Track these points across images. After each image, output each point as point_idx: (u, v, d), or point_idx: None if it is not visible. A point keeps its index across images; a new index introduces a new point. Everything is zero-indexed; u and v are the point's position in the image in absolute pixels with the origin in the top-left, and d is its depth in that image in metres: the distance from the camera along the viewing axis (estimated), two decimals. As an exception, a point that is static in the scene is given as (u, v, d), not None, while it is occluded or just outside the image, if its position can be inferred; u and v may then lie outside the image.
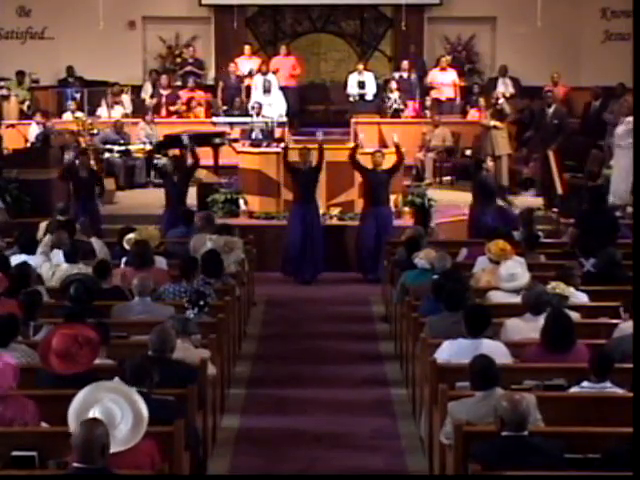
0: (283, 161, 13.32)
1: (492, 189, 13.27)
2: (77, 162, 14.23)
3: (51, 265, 9.80)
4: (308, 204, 13.00)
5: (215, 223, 11.59)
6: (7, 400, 6.07)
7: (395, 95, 18.35)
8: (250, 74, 19.09)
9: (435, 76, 19.20)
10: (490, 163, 13.53)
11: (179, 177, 13.35)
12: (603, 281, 9.28)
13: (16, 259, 9.65)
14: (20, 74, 19.21)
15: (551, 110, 16.46)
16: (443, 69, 19.22)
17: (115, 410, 5.47)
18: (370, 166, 13.16)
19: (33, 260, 9.91)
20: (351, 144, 14.68)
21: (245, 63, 19.54)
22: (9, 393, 6.11)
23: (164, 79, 19.44)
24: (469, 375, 6.38)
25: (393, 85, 18.53)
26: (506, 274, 8.87)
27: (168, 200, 13.31)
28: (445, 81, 19.14)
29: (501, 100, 16.77)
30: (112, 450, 5.25)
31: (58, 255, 9.91)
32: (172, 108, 18.91)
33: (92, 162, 16.33)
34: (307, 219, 12.96)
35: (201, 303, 8.46)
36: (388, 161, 13.33)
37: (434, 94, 18.97)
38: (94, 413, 5.43)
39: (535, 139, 16.86)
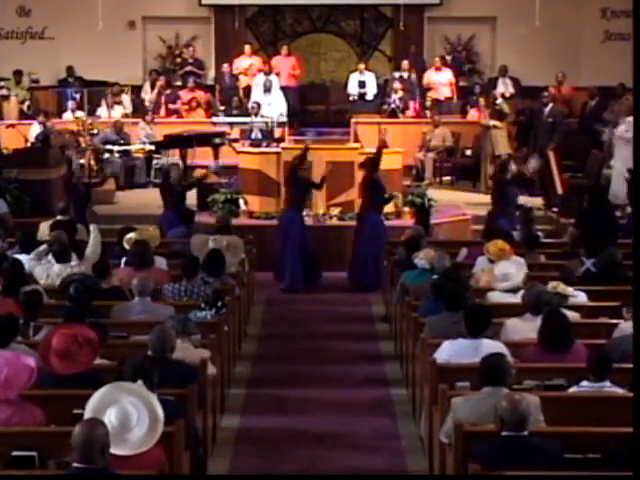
0: (291, 170, 12.99)
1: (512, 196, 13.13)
2: (76, 174, 14.15)
3: (43, 268, 9.74)
4: (294, 212, 12.77)
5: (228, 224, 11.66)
6: (16, 406, 6.02)
7: (398, 95, 18.34)
8: (249, 69, 19.10)
9: (430, 76, 19.22)
10: (513, 166, 13.36)
11: (185, 182, 13.37)
12: (603, 281, 9.27)
13: (17, 259, 9.64)
14: (18, 73, 19.20)
15: (547, 109, 16.50)
16: (438, 69, 19.25)
17: (132, 413, 5.44)
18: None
19: (26, 262, 9.87)
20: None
21: (245, 63, 19.57)
22: (21, 393, 6.06)
23: (161, 79, 19.46)
24: (479, 370, 6.35)
25: (397, 85, 18.51)
26: (500, 274, 8.88)
27: (166, 201, 13.27)
28: (441, 81, 19.15)
29: (499, 100, 16.78)
30: (124, 453, 5.26)
31: (49, 257, 9.88)
32: (171, 106, 18.90)
33: (92, 162, 16.39)
34: (290, 226, 12.76)
35: (219, 304, 8.49)
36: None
37: (432, 94, 18.98)
38: (111, 413, 5.41)
39: (533, 139, 16.88)
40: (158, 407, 5.54)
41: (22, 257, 9.72)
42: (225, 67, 19.55)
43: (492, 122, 16.31)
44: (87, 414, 5.47)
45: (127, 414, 5.43)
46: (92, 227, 10.26)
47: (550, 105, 16.61)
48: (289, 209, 12.88)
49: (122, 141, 17.44)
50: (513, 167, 13.33)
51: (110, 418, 5.38)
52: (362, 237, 12.58)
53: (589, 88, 18.07)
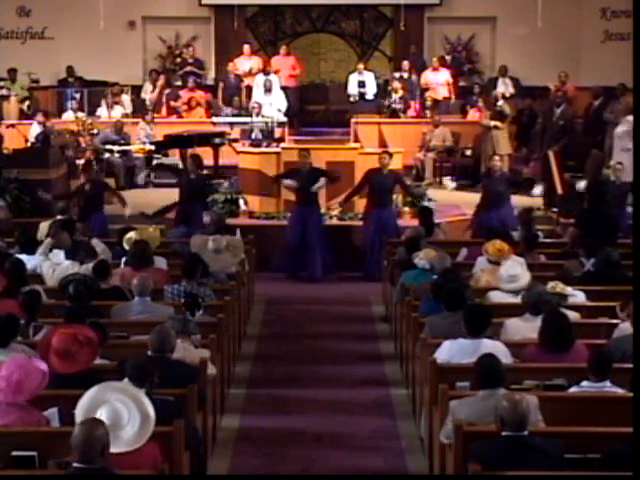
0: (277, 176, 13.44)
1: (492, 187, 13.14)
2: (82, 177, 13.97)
3: (51, 263, 9.79)
4: (309, 206, 12.98)
5: (226, 224, 11.66)
6: (24, 411, 5.97)
7: (398, 95, 18.33)
8: (250, 72, 19.13)
9: (427, 76, 19.21)
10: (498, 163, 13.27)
11: (197, 176, 13.26)
12: (602, 282, 9.26)
13: (16, 259, 9.64)
14: (12, 71, 19.15)
15: (559, 110, 16.45)
16: (435, 69, 19.25)
17: (122, 411, 5.47)
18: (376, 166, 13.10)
19: (33, 260, 9.92)
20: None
21: (245, 63, 19.57)
22: (33, 397, 6.01)
23: (160, 79, 19.46)
24: (474, 373, 6.37)
25: (397, 85, 18.49)
26: (506, 275, 8.84)
27: (182, 196, 13.23)
28: (438, 81, 19.15)
29: (500, 102, 16.76)
30: (117, 450, 5.27)
31: (59, 254, 9.90)
32: (173, 104, 18.87)
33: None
34: (307, 221, 12.94)
35: (200, 300, 8.47)
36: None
37: (430, 94, 18.99)
38: (101, 413, 5.42)
39: (536, 139, 16.87)
40: (148, 404, 5.57)
41: (22, 257, 9.72)
42: (230, 66, 19.51)
43: (493, 123, 16.29)
44: (78, 415, 5.49)
45: (118, 413, 5.45)
46: (94, 241, 10.38)
47: (562, 106, 16.54)
48: (295, 205, 13.07)
49: (122, 141, 17.43)
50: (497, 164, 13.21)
51: (101, 418, 5.39)
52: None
53: (593, 88, 18.01)
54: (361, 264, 13.14)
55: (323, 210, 13.60)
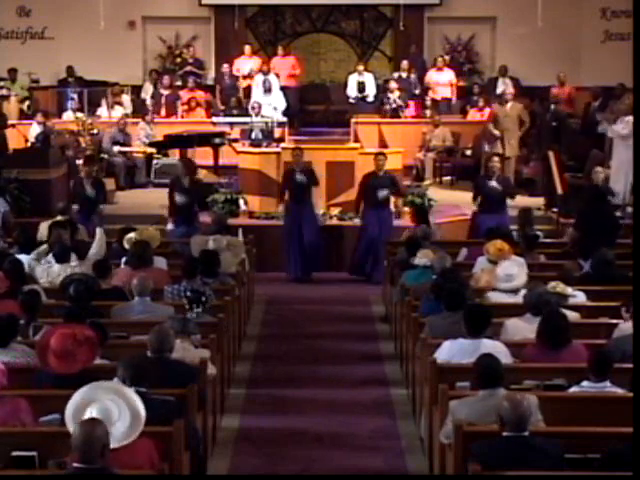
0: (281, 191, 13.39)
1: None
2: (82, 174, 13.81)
3: (44, 268, 9.75)
4: (301, 205, 12.96)
5: (227, 224, 11.65)
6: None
7: (395, 95, 18.32)
8: (250, 74, 19.12)
9: (431, 76, 19.21)
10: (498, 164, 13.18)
11: (190, 182, 13.16)
12: (599, 281, 9.26)
13: (16, 259, 9.63)
14: (12, 71, 19.14)
15: (550, 111, 16.49)
16: (439, 69, 19.23)
17: (112, 408, 5.49)
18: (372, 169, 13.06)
19: (27, 262, 9.88)
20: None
21: (245, 63, 19.57)
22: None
23: (165, 79, 19.46)
24: (474, 373, 6.37)
25: (393, 85, 18.49)
26: (503, 274, 8.88)
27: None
28: (441, 81, 19.14)
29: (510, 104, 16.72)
30: (111, 445, 5.26)
31: (52, 258, 9.88)
32: (176, 110, 18.85)
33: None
34: (300, 219, 12.93)
35: (203, 299, 8.45)
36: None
37: (431, 94, 18.99)
38: (91, 411, 5.44)
39: (535, 139, 16.88)
40: (137, 401, 5.59)
41: (22, 257, 9.72)
42: (225, 67, 19.57)
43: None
44: (68, 414, 5.52)
45: (107, 410, 5.47)
46: (98, 230, 10.33)
47: (553, 107, 16.59)
48: (290, 203, 13.10)
49: (122, 141, 17.41)
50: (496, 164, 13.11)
51: (92, 415, 5.39)
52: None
53: (593, 88, 18.03)
54: (357, 265, 13.08)
55: (322, 210, 13.60)
